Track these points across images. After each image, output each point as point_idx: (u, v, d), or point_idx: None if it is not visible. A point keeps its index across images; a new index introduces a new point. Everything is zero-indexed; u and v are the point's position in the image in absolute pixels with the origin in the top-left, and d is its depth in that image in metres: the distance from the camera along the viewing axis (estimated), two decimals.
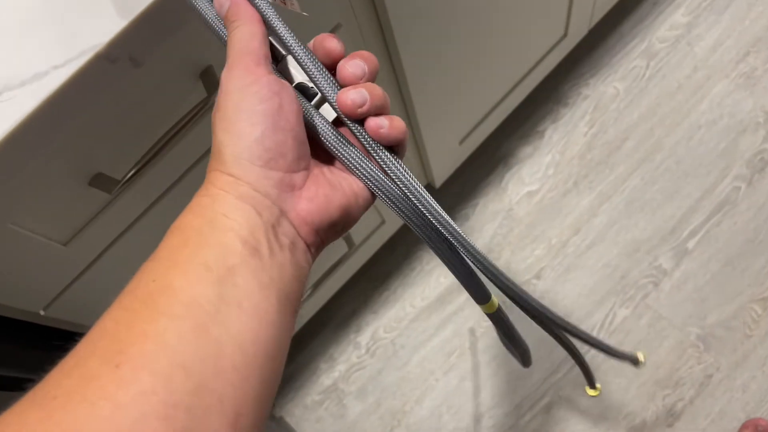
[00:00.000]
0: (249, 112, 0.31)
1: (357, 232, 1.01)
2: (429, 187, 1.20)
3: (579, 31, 1.19)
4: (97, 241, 0.59)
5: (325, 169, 0.35)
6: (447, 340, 1.21)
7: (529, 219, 1.26)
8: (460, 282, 0.41)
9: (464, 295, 1.23)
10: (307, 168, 0.33)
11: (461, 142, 1.13)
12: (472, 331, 1.20)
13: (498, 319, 0.45)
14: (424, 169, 1.13)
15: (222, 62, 0.47)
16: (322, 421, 1.20)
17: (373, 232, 1.07)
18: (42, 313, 0.60)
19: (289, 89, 0.33)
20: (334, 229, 0.34)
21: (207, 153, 0.61)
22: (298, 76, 0.36)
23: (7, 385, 0.60)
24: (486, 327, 1.20)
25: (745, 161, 1.22)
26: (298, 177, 0.32)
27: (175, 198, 0.62)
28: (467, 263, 0.39)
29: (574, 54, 1.25)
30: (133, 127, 0.52)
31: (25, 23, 0.43)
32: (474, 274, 0.40)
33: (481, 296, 0.42)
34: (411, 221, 0.36)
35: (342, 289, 1.14)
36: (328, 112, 0.35)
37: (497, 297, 0.44)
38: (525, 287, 1.18)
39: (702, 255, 1.18)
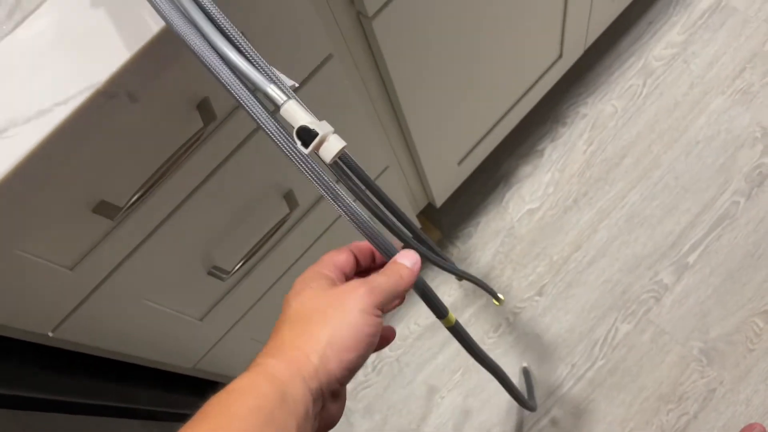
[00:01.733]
0: (353, 342, 0.38)
1: None
2: (430, 207, 1.23)
3: (574, 52, 1.21)
4: (102, 265, 0.62)
5: None
6: (452, 358, 1.22)
7: (531, 236, 1.27)
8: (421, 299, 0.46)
9: (468, 312, 1.24)
10: None
11: (460, 162, 1.15)
12: None
13: (455, 332, 0.50)
14: (424, 189, 1.15)
15: (213, 92, 0.50)
16: None
17: None
18: (50, 335, 0.63)
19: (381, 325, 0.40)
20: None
21: (206, 179, 0.64)
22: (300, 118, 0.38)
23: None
24: (490, 344, 1.22)
25: (743, 176, 1.23)
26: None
27: (176, 223, 0.65)
28: (423, 285, 0.46)
29: (572, 73, 1.28)
30: (133, 156, 0.55)
31: (32, 65, 0.47)
32: (430, 293, 0.47)
33: (439, 312, 0.47)
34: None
35: None
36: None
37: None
38: (527, 304, 1.19)
39: (703, 269, 1.19)
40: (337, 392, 0.39)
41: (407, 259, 0.42)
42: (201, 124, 0.57)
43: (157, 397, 0.85)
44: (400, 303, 0.44)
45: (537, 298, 1.23)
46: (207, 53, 0.38)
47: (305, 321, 0.38)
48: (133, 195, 0.56)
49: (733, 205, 1.21)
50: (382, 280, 0.40)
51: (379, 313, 0.39)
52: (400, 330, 1.26)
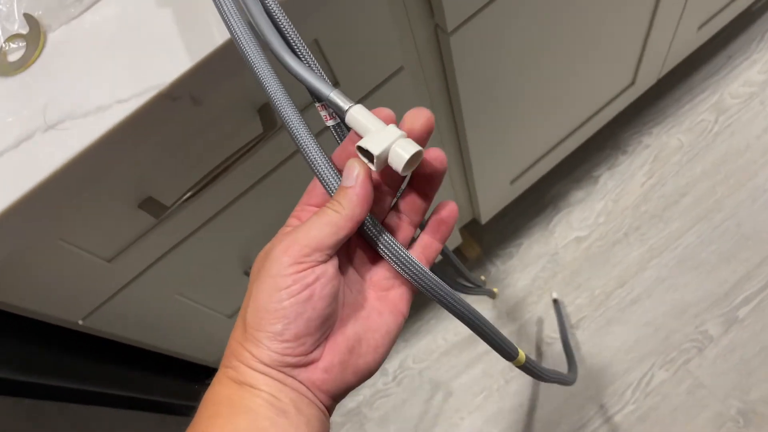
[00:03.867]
0: (274, 308, 0.31)
1: None
2: (474, 223, 1.19)
3: (647, 80, 1.15)
4: (140, 259, 0.60)
5: (349, 321, 0.34)
6: (476, 380, 1.19)
7: (575, 266, 1.22)
8: (488, 344, 0.40)
9: None
10: (327, 337, 0.33)
11: (512, 182, 1.10)
12: (502, 373, 1.18)
13: (528, 369, 0.44)
14: (471, 205, 1.11)
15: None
16: None
17: None
18: (80, 323, 0.61)
19: (329, 270, 0.32)
20: (350, 389, 0.35)
21: (250, 189, 0.61)
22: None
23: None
24: (517, 371, 1.17)
25: None
26: (315, 353, 0.33)
27: (219, 225, 0.63)
28: (489, 326, 0.39)
29: (639, 100, 1.22)
30: (187, 157, 0.53)
31: (96, 56, 0.44)
32: (497, 336, 0.40)
33: (508, 354, 0.41)
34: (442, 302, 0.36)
35: None
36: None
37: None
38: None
39: (753, 325, 1.13)
40: (310, 360, 0.33)
41: (345, 178, 0.33)
42: (261, 130, 0.54)
43: (177, 388, 0.84)
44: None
45: (573, 331, 1.18)
46: (259, 62, 0.34)
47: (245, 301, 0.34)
48: (182, 196, 0.54)
49: None
50: (304, 230, 0.32)
51: (305, 266, 0.31)
52: (426, 343, 1.22)
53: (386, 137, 0.31)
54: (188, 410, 0.82)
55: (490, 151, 0.95)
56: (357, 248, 0.37)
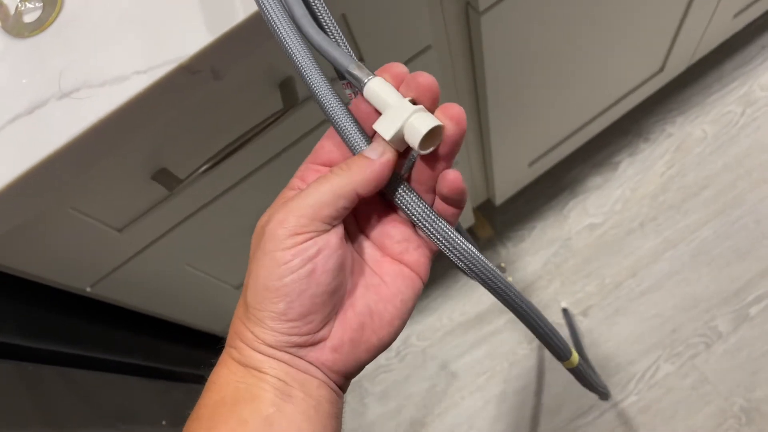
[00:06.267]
0: (275, 285, 0.29)
1: None
2: (488, 203, 1.17)
3: (677, 67, 1.12)
4: (151, 230, 0.59)
5: (359, 293, 0.32)
6: (479, 361, 1.18)
7: (587, 252, 1.21)
8: (540, 341, 0.39)
9: (504, 318, 1.20)
10: (336, 312, 0.31)
11: (531, 164, 1.08)
12: (506, 356, 1.18)
13: (577, 372, 0.43)
14: (486, 185, 1.09)
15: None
16: None
17: None
18: (88, 290, 0.61)
19: (333, 240, 0.29)
20: (364, 365, 0.33)
21: (267, 163, 0.60)
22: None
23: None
24: (521, 355, 1.17)
25: None
26: (323, 331, 0.30)
27: (232, 198, 0.61)
28: (547, 324, 0.37)
29: (665, 88, 1.18)
30: (204, 130, 0.51)
31: (116, 25, 0.42)
32: (554, 334, 0.38)
33: (562, 354, 0.40)
34: (497, 293, 0.33)
35: None
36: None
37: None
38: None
39: (763, 324, 1.11)
40: (317, 339, 0.30)
41: (371, 149, 0.30)
42: (281, 105, 0.52)
43: (183, 354, 0.84)
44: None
45: (580, 318, 1.17)
46: (289, 34, 0.32)
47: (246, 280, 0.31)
48: (197, 169, 0.52)
49: None
50: (301, 198, 0.29)
51: (304, 238, 0.29)
52: (431, 322, 1.22)
53: (404, 111, 0.29)
54: (194, 378, 0.83)
55: (511, 132, 0.92)
56: (363, 206, 0.33)
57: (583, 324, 1.17)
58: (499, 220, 1.25)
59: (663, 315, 1.15)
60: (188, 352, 0.85)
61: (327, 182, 0.29)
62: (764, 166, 1.20)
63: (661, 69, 1.08)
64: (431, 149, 0.30)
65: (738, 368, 1.10)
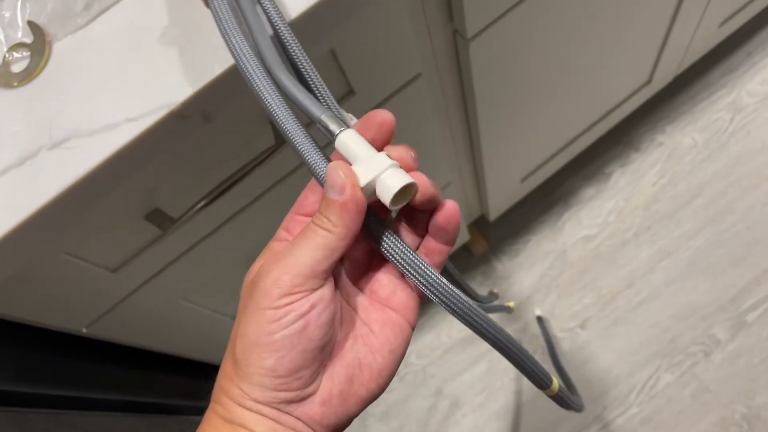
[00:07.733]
0: (265, 341, 0.28)
1: None
2: (482, 219, 1.17)
3: (664, 78, 1.12)
4: (145, 269, 0.58)
5: (348, 345, 0.31)
6: (479, 377, 1.18)
7: (582, 264, 1.21)
8: (518, 370, 0.38)
9: None
10: (325, 366, 0.30)
11: (523, 180, 1.08)
12: (506, 372, 1.17)
13: (559, 399, 0.42)
14: (480, 202, 1.09)
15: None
16: None
17: None
18: (84, 331, 0.60)
19: (326, 294, 0.29)
20: (353, 418, 0.32)
21: (260, 197, 0.59)
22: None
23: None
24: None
25: None
26: (312, 386, 0.30)
27: (227, 233, 0.61)
28: (523, 352, 0.36)
29: (654, 97, 1.19)
30: (197, 169, 0.51)
31: (103, 70, 0.42)
32: (530, 363, 0.37)
33: (541, 383, 0.39)
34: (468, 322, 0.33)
35: None
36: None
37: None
38: (567, 335, 1.13)
39: (761, 331, 1.12)
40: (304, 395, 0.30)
41: (330, 189, 0.29)
42: (273, 142, 0.52)
43: (178, 385, 0.83)
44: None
45: (578, 330, 1.17)
46: (261, 79, 0.31)
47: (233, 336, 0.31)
48: (190, 208, 0.52)
49: None
50: (295, 255, 0.29)
51: (298, 297, 0.28)
52: (430, 340, 1.22)
53: (375, 166, 0.28)
54: (189, 410, 0.82)
55: (502, 150, 0.92)
56: (348, 251, 0.31)
57: (581, 336, 1.17)
58: (494, 234, 1.25)
59: (661, 325, 1.15)
60: (186, 382, 0.84)
61: (318, 237, 0.29)
62: (754, 173, 1.20)
63: (649, 81, 1.09)
64: (404, 203, 0.29)
65: (737, 375, 1.10)
